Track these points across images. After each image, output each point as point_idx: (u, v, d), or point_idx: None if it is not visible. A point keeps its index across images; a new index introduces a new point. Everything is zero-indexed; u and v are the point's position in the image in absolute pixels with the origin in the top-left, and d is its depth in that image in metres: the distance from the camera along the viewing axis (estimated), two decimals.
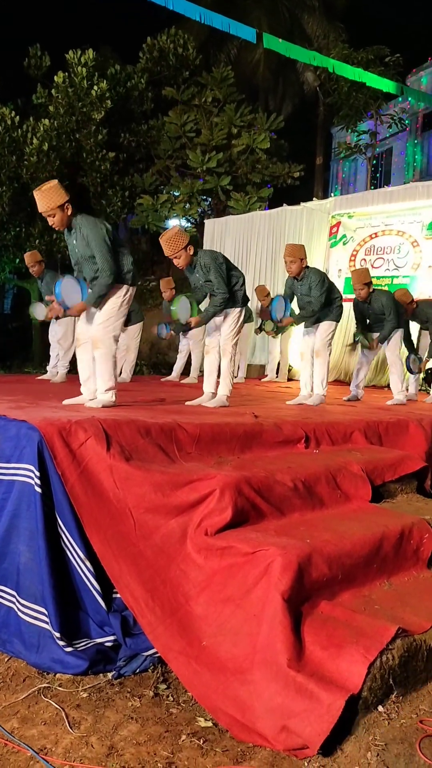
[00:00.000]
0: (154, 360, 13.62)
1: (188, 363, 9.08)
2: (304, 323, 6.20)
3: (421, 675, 2.46)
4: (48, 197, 4.18)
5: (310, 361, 6.18)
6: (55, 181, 4.29)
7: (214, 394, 5.22)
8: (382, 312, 6.69)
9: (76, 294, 4.44)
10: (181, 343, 8.97)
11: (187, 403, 5.08)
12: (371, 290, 6.76)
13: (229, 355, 5.27)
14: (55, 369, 7.75)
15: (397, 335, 6.80)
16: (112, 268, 4.25)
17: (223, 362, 5.31)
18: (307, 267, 6.02)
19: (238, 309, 5.24)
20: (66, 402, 4.43)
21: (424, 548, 3.19)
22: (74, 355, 5.07)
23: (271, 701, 2.25)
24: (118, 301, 4.41)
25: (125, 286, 4.44)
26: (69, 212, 4.26)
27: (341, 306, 6.21)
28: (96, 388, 4.44)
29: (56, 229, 4.38)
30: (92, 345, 4.41)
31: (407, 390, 7.42)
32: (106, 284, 4.26)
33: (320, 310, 5.97)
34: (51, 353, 7.91)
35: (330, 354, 6.30)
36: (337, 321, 6.20)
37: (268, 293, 9.46)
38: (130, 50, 16.77)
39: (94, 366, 4.47)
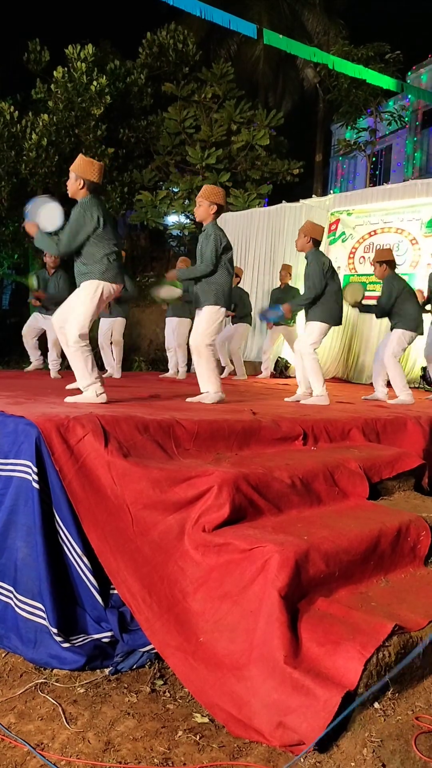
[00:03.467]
0: (153, 356, 13.63)
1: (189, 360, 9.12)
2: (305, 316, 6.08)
3: (417, 672, 2.46)
4: (81, 163, 4.45)
5: (301, 360, 6.10)
6: (97, 163, 4.51)
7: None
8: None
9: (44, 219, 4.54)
10: (167, 340, 8.93)
11: (188, 399, 5.07)
12: (385, 271, 6.59)
13: (204, 357, 5.05)
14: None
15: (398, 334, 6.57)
16: (65, 246, 4.39)
17: (198, 364, 5.14)
18: (314, 250, 5.92)
19: (216, 307, 5.05)
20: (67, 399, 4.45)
21: (421, 545, 3.20)
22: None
23: (267, 697, 2.26)
24: (88, 297, 4.39)
25: (99, 282, 4.40)
26: (80, 187, 4.45)
27: (335, 307, 5.91)
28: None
29: (68, 191, 4.53)
30: (63, 342, 4.45)
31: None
32: (47, 247, 4.52)
33: (310, 300, 5.83)
34: (33, 349, 8.05)
35: (314, 351, 5.96)
36: (329, 323, 5.91)
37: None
38: (130, 45, 16.73)
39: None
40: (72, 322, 4.35)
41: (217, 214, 5.15)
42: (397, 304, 6.48)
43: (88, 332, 4.41)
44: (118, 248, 4.52)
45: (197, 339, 5.09)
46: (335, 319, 5.97)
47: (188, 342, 5.70)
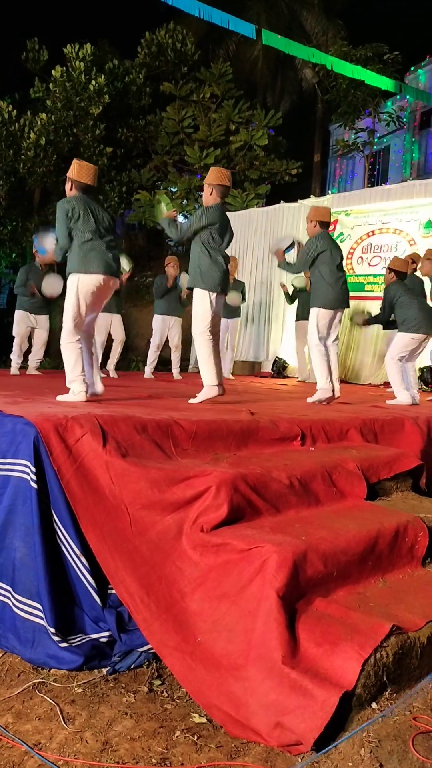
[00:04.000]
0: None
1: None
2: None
3: (415, 672, 2.47)
4: (72, 167, 4.63)
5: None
6: (86, 164, 4.65)
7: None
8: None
9: (50, 242, 4.81)
10: (155, 337, 8.88)
11: (190, 401, 5.01)
12: (391, 279, 6.57)
13: (198, 343, 4.96)
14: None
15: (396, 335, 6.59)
16: (58, 247, 4.53)
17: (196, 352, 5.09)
18: (319, 233, 5.87)
19: (204, 290, 4.90)
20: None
21: (418, 546, 3.20)
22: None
23: (265, 697, 2.26)
24: (69, 291, 4.48)
25: (75, 274, 4.45)
26: (69, 189, 4.62)
27: (334, 293, 5.77)
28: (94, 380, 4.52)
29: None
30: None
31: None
32: (54, 252, 4.65)
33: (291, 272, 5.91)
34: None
35: (319, 341, 5.86)
36: (328, 307, 5.79)
37: None
38: (129, 45, 16.74)
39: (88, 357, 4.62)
40: (64, 316, 4.48)
41: (219, 195, 5.03)
42: (396, 310, 6.47)
43: (79, 328, 4.48)
44: (96, 238, 4.47)
45: (192, 325, 5.06)
46: (332, 303, 5.83)
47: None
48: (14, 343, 8.13)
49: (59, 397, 4.40)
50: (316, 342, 5.89)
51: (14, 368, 8.08)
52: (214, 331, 5.04)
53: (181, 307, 8.75)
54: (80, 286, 4.45)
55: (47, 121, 13.40)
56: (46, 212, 14.89)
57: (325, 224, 5.98)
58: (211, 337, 5.00)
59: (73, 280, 4.48)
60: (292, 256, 6.25)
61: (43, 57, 15.37)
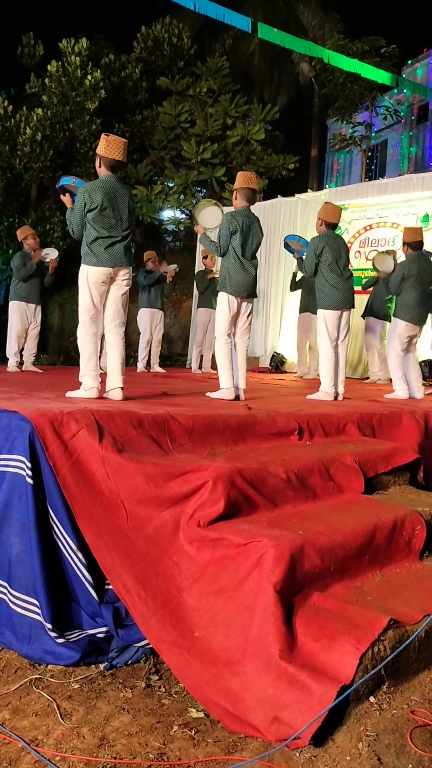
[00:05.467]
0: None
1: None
2: None
3: (413, 666, 2.46)
4: (99, 142, 4.49)
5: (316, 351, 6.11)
6: (113, 137, 4.48)
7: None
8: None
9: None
10: (145, 331, 8.82)
11: (207, 394, 5.11)
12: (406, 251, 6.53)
13: (217, 346, 5.17)
14: None
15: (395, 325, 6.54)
16: (72, 226, 4.47)
17: None
18: (324, 233, 5.87)
19: (227, 294, 5.11)
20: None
21: (416, 540, 3.20)
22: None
23: (262, 692, 2.26)
24: (81, 281, 4.45)
25: (86, 267, 4.42)
26: (98, 166, 4.52)
27: (337, 293, 5.76)
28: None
29: None
30: None
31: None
32: (69, 228, 4.54)
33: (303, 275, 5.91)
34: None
35: (330, 344, 5.87)
36: (333, 309, 5.79)
37: None
38: (125, 39, 16.70)
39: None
40: (79, 310, 4.47)
41: (244, 198, 5.19)
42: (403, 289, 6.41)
43: (95, 321, 4.42)
44: (109, 233, 4.42)
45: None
46: (336, 304, 5.82)
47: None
48: (11, 339, 7.87)
49: (69, 393, 4.36)
50: (325, 344, 5.87)
51: (13, 366, 7.85)
52: (232, 332, 5.23)
53: (164, 300, 8.76)
54: (90, 279, 4.41)
55: (43, 116, 13.35)
56: (43, 208, 14.85)
57: (331, 225, 5.93)
58: (230, 341, 5.18)
59: (83, 271, 4.44)
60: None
61: (39, 52, 15.30)
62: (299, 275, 9.66)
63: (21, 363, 7.99)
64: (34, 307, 7.91)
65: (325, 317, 5.86)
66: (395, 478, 4.02)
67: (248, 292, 5.16)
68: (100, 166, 4.50)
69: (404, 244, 6.58)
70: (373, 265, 8.50)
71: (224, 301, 5.13)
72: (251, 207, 5.29)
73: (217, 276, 8.37)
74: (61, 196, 4.76)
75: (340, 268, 5.83)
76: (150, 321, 8.68)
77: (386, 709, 2.25)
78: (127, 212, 4.53)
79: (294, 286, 9.57)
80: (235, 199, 5.23)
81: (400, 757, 2.04)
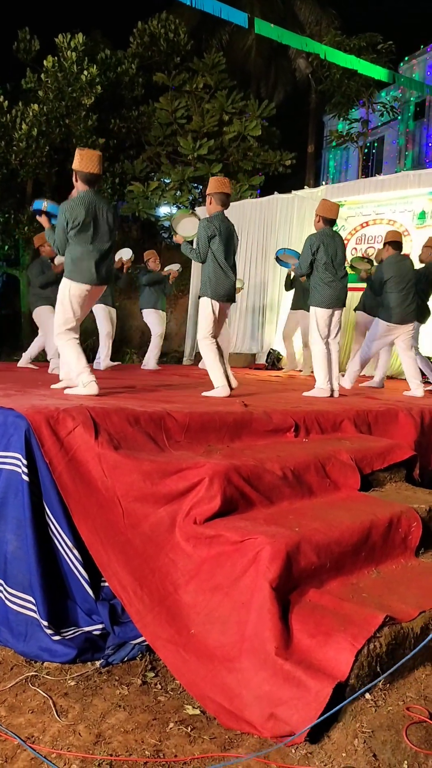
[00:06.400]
0: (145, 349, 13.59)
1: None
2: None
3: (408, 662, 2.47)
4: (75, 157, 4.49)
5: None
6: (87, 151, 4.51)
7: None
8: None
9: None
10: (158, 328, 8.78)
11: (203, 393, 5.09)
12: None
13: (202, 348, 5.18)
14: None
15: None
16: (56, 244, 4.51)
17: None
18: (321, 230, 5.86)
19: (209, 299, 5.12)
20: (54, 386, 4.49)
21: (412, 537, 3.20)
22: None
23: (258, 689, 2.26)
24: (61, 294, 4.49)
25: (69, 282, 4.45)
26: (75, 181, 4.52)
27: (331, 292, 5.75)
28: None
29: None
30: None
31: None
32: (53, 246, 4.60)
33: (298, 275, 5.92)
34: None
35: (322, 341, 5.87)
36: (326, 307, 5.80)
37: None
38: (121, 35, 16.68)
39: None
40: (56, 320, 4.56)
41: (219, 203, 5.17)
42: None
43: (68, 332, 4.49)
44: (91, 247, 4.45)
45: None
46: (327, 302, 5.82)
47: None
48: (50, 343, 7.58)
49: (68, 391, 4.36)
50: (317, 341, 5.89)
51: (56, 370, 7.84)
52: (216, 334, 5.23)
53: (164, 300, 8.75)
54: (71, 293, 4.46)
55: (39, 112, 13.30)
56: None
57: (329, 221, 5.91)
58: (214, 341, 5.19)
59: (65, 285, 4.47)
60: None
61: (35, 47, 15.23)
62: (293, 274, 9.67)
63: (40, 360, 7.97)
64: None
65: (317, 315, 5.87)
66: (391, 474, 4.02)
67: (229, 296, 5.22)
68: (76, 181, 4.50)
69: (385, 244, 6.62)
70: (351, 265, 8.54)
71: (208, 305, 5.15)
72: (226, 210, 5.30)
73: None
74: (38, 217, 4.83)
75: (335, 267, 5.83)
76: (159, 319, 8.64)
77: (382, 705, 2.25)
78: (107, 227, 4.55)
79: (289, 285, 9.58)
80: (210, 204, 5.20)
81: (395, 753, 2.05)
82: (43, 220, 4.73)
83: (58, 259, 7.52)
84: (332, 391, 5.85)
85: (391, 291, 6.45)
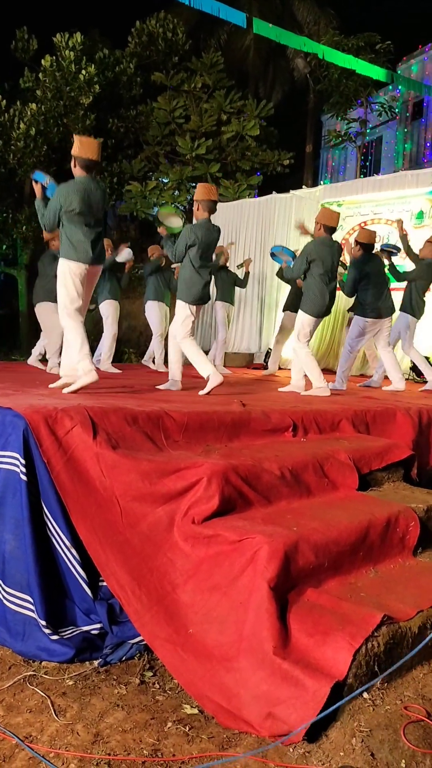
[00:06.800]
0: (143, 348, 13.59)
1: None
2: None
3: (406, 662, 2.47)
4: (74, 144, 4.55)
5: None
6: (87, 139, 4.61)
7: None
8: None
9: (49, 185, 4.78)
10: (158, 326, 8.71)
11: (200, 392, 5.11)
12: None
13: (184, 348, 5.31)
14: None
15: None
16: (44, 221, 4.57)
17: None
18: (321, 237, 5.88)
19: (185, 303, 5.25)
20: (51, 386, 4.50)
21: (409, 536, 3.21)
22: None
23: (256, 688, 2.26)
24: (61, 276, 4.55)
25: (67, 261, 4.52)
26: (73, 166, 4.60)
27: (321, 302, 5.83)
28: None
29: None
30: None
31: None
32: (39, 215, 4.66)
33: (285, 279, 5.99)
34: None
35: (307, 345, 6.03)
36: (315, 315, 5.89)
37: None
38: (119, 34, 16.61)
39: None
40: (59, 303, 4.61)
41: (206, 210, 5.26)
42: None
43: (77, 313, 4.54)
44: (85, 230, 4.52)
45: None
46: (318, 311, 5.91)
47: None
48: (52, 340, 7.49)
49: (66, 390, 4.37)
50: (303, 344, 5.98)
51: (55, 367, 7.80)
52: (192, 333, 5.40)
53: (169, 295, 8.69)
54: (72, 271, 4.54)
55: (37, 111, 13.28)
56: None
57: (330, 229, 5.94)
58: (193, 337, 5.36)
59: (64, 265, 4.56)
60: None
61: (33, 46, 15.20)
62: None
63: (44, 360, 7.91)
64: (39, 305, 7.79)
65: (306, 322, 5.96)
66: (389, 474, 4.03)
67: (203, 299, 5.36)
68: (75, 166, 4.58)
69: (357, 243, 6.65)
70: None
71: (185, 309, 5.28)
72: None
73: (232, 269, 8.62)
74: (33, 183, 4.84)
75: (328, 278, 5.91)
76: (159, 314, 8.55)
77: (380, 704, 2.26)
78: (101, 213, 4.67)
79: (281, 276, 9.48)
80: (198, 210, 5.30)
81: (393, 752, 2.05)
82: (37, 188, 4.76)
83: None
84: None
85: (367, 288, 6.58)
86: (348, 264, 7.28)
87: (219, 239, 5.48)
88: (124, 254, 8.06)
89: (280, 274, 9.28)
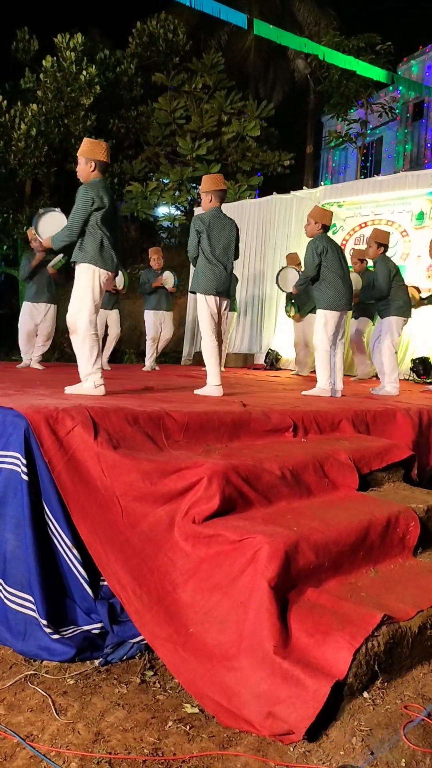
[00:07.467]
0: (143, 348, 13.59)
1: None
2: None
3: (406, 661, 2.48)
4: (88, 146, 4.50)
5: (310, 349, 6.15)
6: (103, 143, 4.55)
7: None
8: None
9: (52, 229, 4.68)
10: (149, 331, 8.79)
11: (196, 391, 5.10)
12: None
13: (204, 344, 5.25)
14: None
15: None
16: (73, 229, 4.39)
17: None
18: (321, 236, 5.85)
19: (200, 294, 5.15)
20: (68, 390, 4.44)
21: (409, 536, 3.21)
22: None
23: (257, 687, 2.27)
24: (87, 282, 4.40)
25: (94, 268, 4.39)
26: (91, 170, 4.49)
27: (341, 294, 5.75)
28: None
29: (78, 176, 4.60)
30: (71, 330, 4.45)
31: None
32: (62, 237, 4.45)
33: (304, 283, 5.91)
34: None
35: (326, 341, 5.85)
36: (337, 309, 5.79)
37: (299, 262, 8.81)
38: (120, 35, 16.66)
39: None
40: (74, 309, 4.40)
41: (218, 200, 5.25)
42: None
43: (96, 320, 4.45)
44: (109, 233, 4.46)
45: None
46: (338, 305, 5.81)
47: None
48: (21, 339, 7.90)
49: (69, 389, 4.36)
50: (324, 345, 5.86)
51: (23, 364, 7.94)
52: (217, 331, 5.24)
53: (170, 301, 8.76)
54: (100, 279, 4.43)
55: (38, 111, 13.30)
56: (37, 204, 14.79)
57: (326, 227, 5.93)
58: (215, 338, 5.20)
59: (90, 272, 4.41)
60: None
61: (34, 47, 15.23)
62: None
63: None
64: (43, 306, 7.80)
65: (329, 317, 5.84)
66: (389, 474, 4.03)
67: (218, 291, 5.16)
68: (93, 170, 4.49)
69: (376, 243, 6.54)
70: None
71: (201, 301, 5.17)
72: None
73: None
74: (32, 242, 4.79)
75: (344, 270, 5.85)
76: (153, 321, 8.67)
77: (380, 704, 2.26)
78: (117, 218, 4.65)
79: (289, 302, 9.42)
80: (210, 201, 5.25)
81: (393, 751, 2.06)
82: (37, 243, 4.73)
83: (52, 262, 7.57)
84: (335, 392, 5.87)
85: (399, 286, 6.51)
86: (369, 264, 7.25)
87: (237, 234, 5.32)
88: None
89: (289, 297, 9.21)
